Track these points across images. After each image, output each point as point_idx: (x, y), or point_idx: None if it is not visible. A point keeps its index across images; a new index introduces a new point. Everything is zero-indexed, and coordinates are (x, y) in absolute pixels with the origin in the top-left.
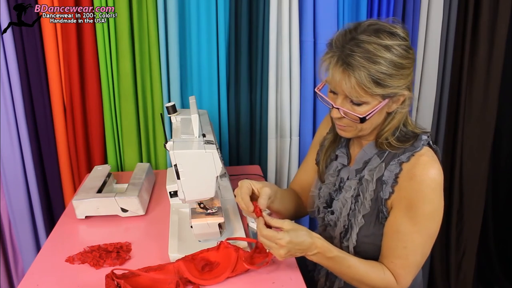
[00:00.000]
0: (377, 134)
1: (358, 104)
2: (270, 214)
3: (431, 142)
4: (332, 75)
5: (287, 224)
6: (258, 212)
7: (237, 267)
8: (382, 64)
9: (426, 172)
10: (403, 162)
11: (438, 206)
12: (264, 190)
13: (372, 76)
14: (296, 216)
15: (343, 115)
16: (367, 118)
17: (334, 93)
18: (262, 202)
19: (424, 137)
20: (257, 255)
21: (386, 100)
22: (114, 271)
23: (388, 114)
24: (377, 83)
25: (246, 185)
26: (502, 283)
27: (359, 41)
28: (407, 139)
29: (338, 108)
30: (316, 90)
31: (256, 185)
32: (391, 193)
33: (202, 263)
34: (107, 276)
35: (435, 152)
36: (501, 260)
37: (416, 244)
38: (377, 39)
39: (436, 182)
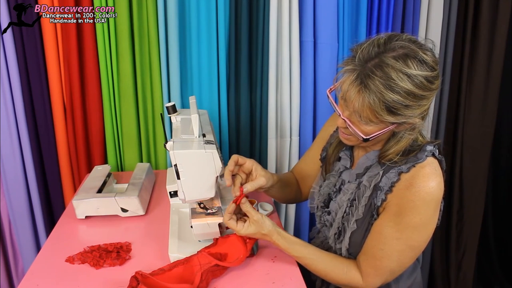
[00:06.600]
0: (381, 149)
1: (366, 123)
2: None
3: (436, 152)
4: (347, 90)
5: (256, 217)
6: (237, 199)
7: (248, 247)
8: (400, 94)
9: (424, 184)
10: (402, 172)
11: (427, 220)
12: (259, 180)
13: (387, 104)
14: (295, 200)
15: (348, 127)
16: (370, 139)
17: (345, 99)
18: (249, 188)
19: (429, 147)
20: None
21: (394, 125)
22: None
23: (394, 133)
24: (390, 111)
25: (249, 165)
26: (502, 283)
27: (383, 64)
28: (411, 151)
29: (344, 119)
30: (327, 91)
31: (258, 171)
32: (384, 200)
33: (214, 256)
34: (132, 276)
35: (440, 162)
36: (501, 260)
37: (394, 250)
38: (403, 66)
39: (432, 196)
